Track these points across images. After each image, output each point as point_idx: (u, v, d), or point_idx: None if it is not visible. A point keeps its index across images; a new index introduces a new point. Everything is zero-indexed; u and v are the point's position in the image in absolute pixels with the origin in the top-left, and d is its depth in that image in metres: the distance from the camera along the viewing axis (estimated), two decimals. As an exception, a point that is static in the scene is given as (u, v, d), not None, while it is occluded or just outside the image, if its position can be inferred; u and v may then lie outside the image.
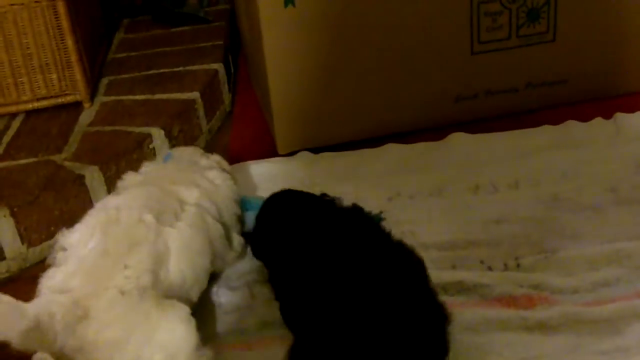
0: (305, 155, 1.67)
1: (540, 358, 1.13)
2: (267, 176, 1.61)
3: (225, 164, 1.43)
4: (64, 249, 1.13)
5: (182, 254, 1.15)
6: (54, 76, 1.72)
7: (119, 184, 1.29)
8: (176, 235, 1.16)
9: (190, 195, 1.23)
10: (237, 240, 1.34)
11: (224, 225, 1.30)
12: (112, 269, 1.07)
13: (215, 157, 1.42)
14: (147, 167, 1.34)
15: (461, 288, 1.25)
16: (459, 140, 1.65)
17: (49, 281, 1.08)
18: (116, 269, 1.07)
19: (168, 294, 1.12)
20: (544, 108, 1.76)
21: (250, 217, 1.36)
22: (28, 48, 1.69)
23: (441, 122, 1.70)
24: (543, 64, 1.73)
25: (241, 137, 1.80)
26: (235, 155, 1.71)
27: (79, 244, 1.12)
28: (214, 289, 1.32)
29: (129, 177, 1.29)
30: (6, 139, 1.67)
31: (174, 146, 1.67)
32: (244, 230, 1.39)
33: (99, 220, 1.14)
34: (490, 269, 1.29)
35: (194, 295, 1.20)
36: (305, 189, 1.55)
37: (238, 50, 2.16)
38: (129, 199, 1.19)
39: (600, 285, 1.25)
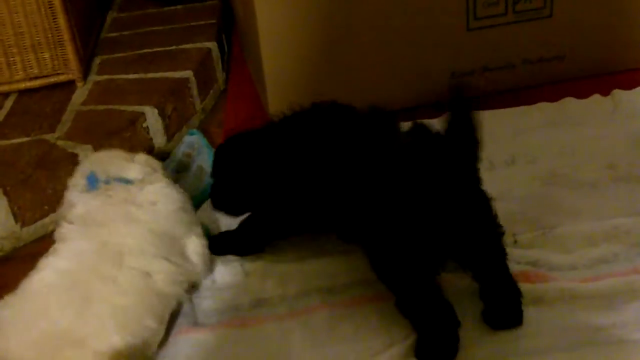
0: (300, 133, 1.65)
1: (536, 335, 1.12)
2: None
3: (153, 162, 1.32)
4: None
5: (120, 327, 1.09)
6: (47, 55, 1.70)
7: (57, 234, 1.20)
8: (110, 309, 1.08)
9: (128, 243, 1.14)
10: (196, 252, 1.26)
11: (177, 243, 1.23)
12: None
13: (140, 159, 1.30)
14: (80, 207, 1.21)
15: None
16: (455, 117, 1.63)
17: None
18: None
19: None
20: (541, 84, 1.74)
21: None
22: (20, 27, 1.67)
23: (437, 99, 1.69)
24: (540, 40, 1.71)
25: (235, 115, 1.79)
26: (229, 134, 1.69)
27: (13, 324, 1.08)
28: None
29: (65, 230, 1.19)
30: (-1, 118, 1.66)
31: (168, 125, 1.66)
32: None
33: (28, 309, 1.08)
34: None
35: (149, 351, 1.13)
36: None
37: (232, 29, 2.14)
38: (61, 275, 1.11)
39: (598, 262, 1.25)
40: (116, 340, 1.07)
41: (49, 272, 1.12)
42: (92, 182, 1.24)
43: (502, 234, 1.14)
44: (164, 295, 1.17)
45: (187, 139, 1.59)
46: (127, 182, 1.24)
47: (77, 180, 1.27)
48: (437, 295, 1.11)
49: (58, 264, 1.12)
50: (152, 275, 1.15)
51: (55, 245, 1.18)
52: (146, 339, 1.12)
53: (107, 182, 1.24)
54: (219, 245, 1.34)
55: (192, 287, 1.27)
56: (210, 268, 1.29)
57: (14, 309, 1.09)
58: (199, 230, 1.29)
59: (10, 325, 1.08)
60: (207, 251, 1.29)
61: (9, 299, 1.10)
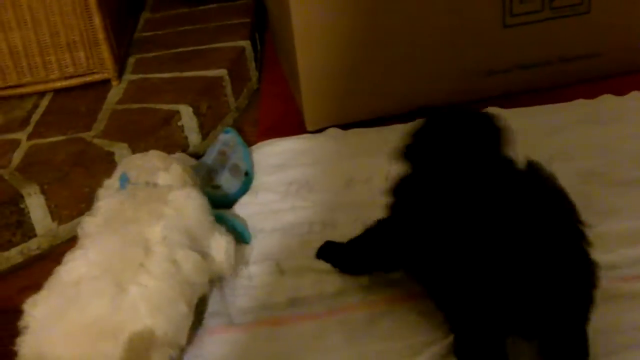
0: (334, 131, 1.65)
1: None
2: (296, 153, 1.60)
3: (186, 175, 1.32)
4: (27, 322, 1.08)
5: (153, 310, 1.08)
6: (82, 54, 1.72)
7: (79, 230, 1.21)
8: (142, 292, 1.08)
9: (154, 232, 1.14)
10: (220, 248, 1.25)
11: (199, 244, 1.22)
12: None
13: (176, 171, 1.30)
14: (103, 203, 1.23)
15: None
16: (491, 115, 1.62)
17: None
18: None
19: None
20: (578, 82, 1.72)
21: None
22: (55, 26, 1.69)
23: (473, 97, 1.67)
24: (577, 37, 1.69)
25: (269, 114, 1.79)
26: (264, 132, 1.70)
27: (44, 319, 1.07)
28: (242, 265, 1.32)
29: (88, 223, 1.20)
30: (35, 117, 1.67)
31: (202, 124, 1.67)
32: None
33: (58, 302, 1.07)
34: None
35: (182, 338, 1.13)
36: (334, 166, 1.54)
37: (264, 28, 2.14)
38: (88, 266, 1.10)
39: (639, 261, 1.23)
40: (151, 325, 1.07)
41: (77, 263, 1.11)
42: (123, 182, 1.26)
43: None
44: (192, 282, 1.16)
45: (222, 137, 1.59)
46: (154, 186, 1.26)
47: (112, 181, 1.29)
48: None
49: (86, 255, 1.12)
50: (179, 263, 1.15)
51: (80, 240, 1.18)
52: (179, 323, 1.12)
53: (135, 184, 1.25)
54: (330, 253, 1.30)
55: (219, 282, 1.28)
56: (234, 266, 1.29)
57: (44, 304, 1.08)
58: (222, 229, 1.29)
59: (41, 322, 1.07)
60: (232, 248, 1.27)
61: (37, 297, 1.10)
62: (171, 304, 1.11)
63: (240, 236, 1.36)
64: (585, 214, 1.31)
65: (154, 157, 1.34)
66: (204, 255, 1.21)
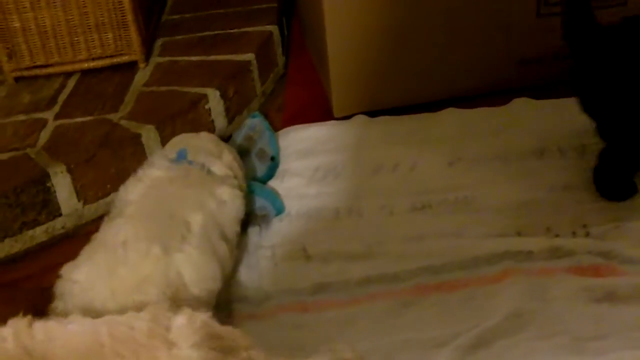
0: (361, 118, 1.63)
1: (612, 334, 1.08)
2: (322, 139, 1.58)
3: (236, 166, 1.35)
4: (67, 288, 1.11)
5: (194, 278, 1.13)
6: (110, 36, 1.71)
7: (121, 193, 1.23)
8: (186, 260, 1.13)
9: (196, 216, 1.18)
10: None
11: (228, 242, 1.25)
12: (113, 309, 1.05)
13: (227, 159, 1.33)
14: (149, 172, 1.26)
15: (528, 255, 1.20)
16: (522, 105, 1.59)
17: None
18: (116, 310, 1.05)
19: None
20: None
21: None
22: (84, 7, 1.67)
23: (504, 86, 1.65)
24: (612, 28, 1.65)
25: (295, 100, 1.77)
26: (289, 118, 1.69)
27: (86, 283, 1.10)
28: (268, 248, 1.31)
29: (130, 189, 1.23)
30: (62, 97, 1.67)
31: (229, 108, 1.66)
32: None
33: (105, 260, 1.11)
34: (557, 236, 1.25)
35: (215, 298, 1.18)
36: (361, 153, 1.53)
37: (291, 13, 2.12)
38: (135, 228, 1.14)
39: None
40: (191, 287, 1.11)
41: (124, 226, 1.14)
42: (181, 156, 1.28)
43: None
44: (223, 266, 1.20)
45: (249, 121, 1.58)
46: (209, 172, 1.28)
47: (168, 151, 1.32)
48: None
49: (132, 219, 1.14)
50: (215, 247, 1.18)
51: (120, 204, 1.20)
52: (214, 290, 1.16)
53: (190, 163, 1.26)
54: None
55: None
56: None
57: (89, 265, 1.11)
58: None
59: (87, 282, 1.09)
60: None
61: (77, 261, 1.12)
62: (210, 274, 1.15)
63: (273, 206, 1.37)
64: (618, 207, 1.32)
65: (208, 142, 1.36)
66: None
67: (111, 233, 1.15)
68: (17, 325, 0.93)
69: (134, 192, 1.22)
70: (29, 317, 0.95)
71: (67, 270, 1.12)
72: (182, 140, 1.36)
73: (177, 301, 1.08)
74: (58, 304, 1.10)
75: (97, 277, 1.09)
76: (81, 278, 1.10)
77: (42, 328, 0.93)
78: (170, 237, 1.13)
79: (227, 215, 1.24)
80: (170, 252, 1.11)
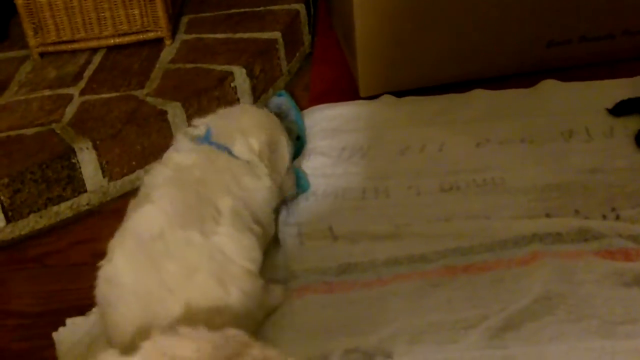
0: (388, 98, 1.62)
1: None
2: (348, 118, 1.57)
3: (264, 151, 1.27)
4: (108, 282, 1.09)
5: (238, 251, 1.12)
6: (136, 12, 1.70)
7: (146, 178, 1.20)
8: (225, 237, 1.12)
9: (224, 200, 1.16)
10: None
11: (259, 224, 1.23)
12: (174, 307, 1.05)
13: (253, 144, 1.26)
14: (176, 155, 1.22)
15: (556, 238, 1.20)
16: (550, 87, 1.57)
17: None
18: (178, 307, 1.05)
19: None
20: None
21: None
22: (111, -18, 1.68)
23: (531, 69, 1.63)
24: (642, 10, 1.63)
25: (321, 79, 1.76)
26: (315, 97, 1.68)
27: (123, 277, 1.09)
28: (294, 225, 1.31)
29: (157, 172, 1.20)
30: (88, 73, 1.67)
31: (255, 86, 1.65)
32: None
33: (145, 254, 1.09)
34: (586, 219, 1.24)
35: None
36: (388, 133, 1.52)
37: (318, -8, 2.11)
38: (168, 217, 1.11)
39: None
40: (240, 260, 1.12)
41: (155, 216, 1.12)
42: (206, 138, 1.24)
43: None
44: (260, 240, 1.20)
45: (275, 100, 1.57)
46: (230, 153, 1.23)
47: (195, 130, 1.27)
48: None
49: (162, 208, 1.12)
50: (249, 226, 1.18)
51: (146, 189, 1.18)
52: (258, 259, 1.17)
53: (211, 144, 1.23)
54: None
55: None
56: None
57: (125, 261, 1.09)
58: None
59: (134, 280, 1.08)
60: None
61: (116, 255, 1.10)
62: (249, 244, 1.15)
63: (299, 184, 1.37)
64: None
65: (250, 119, 1.29)
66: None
67: (143, 223, 1.12)
68: None
69: (158, 176, 1.19)
70: None
71: (107, 272, 1.09)
72: (214, 119, 1.29)
73: (228, 279, 1.09)
74: (109, 311, 1.09)
75: (147, 278, 1.07)
76: (128, 281, 1.08)
77: None
78: (203, 222, 1.12)
79: (256, 202, 1.22)
80: (209, 235, 1.11)
